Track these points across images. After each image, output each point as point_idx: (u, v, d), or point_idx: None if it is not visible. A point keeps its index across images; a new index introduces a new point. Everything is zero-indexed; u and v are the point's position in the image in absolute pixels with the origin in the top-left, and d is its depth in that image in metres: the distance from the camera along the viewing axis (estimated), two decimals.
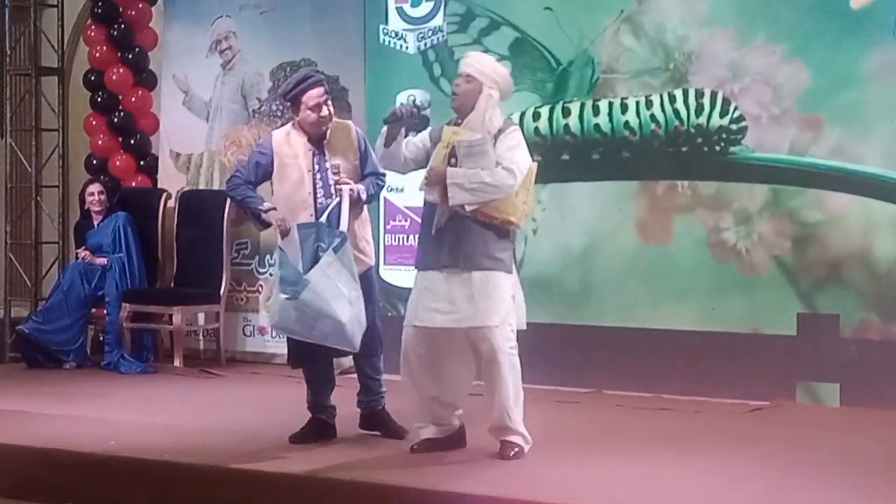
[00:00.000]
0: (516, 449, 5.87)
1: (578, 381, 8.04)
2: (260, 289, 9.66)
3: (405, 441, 6.20)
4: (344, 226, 6.05)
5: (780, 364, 7.59)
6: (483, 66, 5.99)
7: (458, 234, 5.85)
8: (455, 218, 5.85)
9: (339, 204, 6.11)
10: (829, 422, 7.08)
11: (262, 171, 6.38)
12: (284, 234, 6.16)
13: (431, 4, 8.83)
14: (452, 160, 5.86)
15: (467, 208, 5.80)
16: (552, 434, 6.30)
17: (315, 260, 5.94)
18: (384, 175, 6.43)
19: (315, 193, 6.26)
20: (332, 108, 6.36)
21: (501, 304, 5.84)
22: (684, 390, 7.72)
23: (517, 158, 5.86)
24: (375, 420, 6.44)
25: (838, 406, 7.44)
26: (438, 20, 8.82)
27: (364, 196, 6.26)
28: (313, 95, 6.27)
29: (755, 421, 7.15)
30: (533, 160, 6.03)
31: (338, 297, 5.87)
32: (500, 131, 5.90)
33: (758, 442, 6.46)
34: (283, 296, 5.89)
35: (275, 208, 6.28)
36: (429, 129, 6.08)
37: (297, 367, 6.53)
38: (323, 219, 6.09)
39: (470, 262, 5.83)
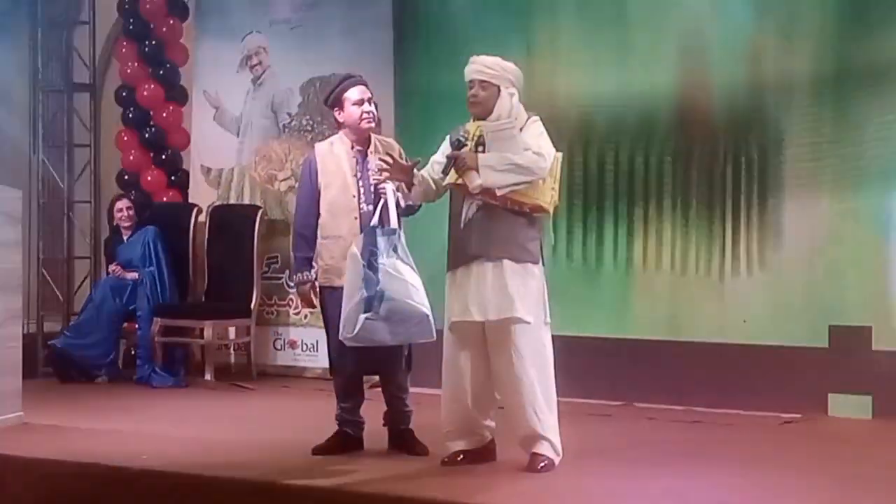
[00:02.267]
0: (545, 462, 5.85)
1: (609, 393, 8.03)
2: (290, 302, 9.69)
3: (434, 455, 6.19)
4: (394, 223, 6.07)
5: (812, 376, 7.56)
6: (493, 68, 6.00)
7: (488, 223, 5.86)
8: (483, 208, 5.87)
9: (385, 204, 6.12)
10: (862, 434, 7.05)
11: (314, 187, 6.38)
12: (308, 305, 6.61)
13: None
14: (480, 148, 5.87)
15: (497, 193, 5.80)
16: (583, 447, 6.28)
17: (371, 264, 5.95)
18: None
19: (359, 198, 6.27)
20: (375, 109, 6.41)
21: (534, 300, 5.86)
22: (716, 403, 7.70)
23: (543, 144, 5.89)
24: (400, 439, 6.43)
25: (870, 418, 7.41)
26: None
27: (402, 202, 6.24)
28: (356, 91, 6.33)
29: (787, 434, 7.13)
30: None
31: (411, 293, 5.92)
32: (525, 122, 5.94)
33: (790, 455, 6.44)
34: (365, 315, 5.89)
35: (307, 282, 6.37)
36: (447, 137, 6.10)
37: (368, 374, 6.58)
38: (375, 220, 6.08)
39: (500, 250, 5.84)
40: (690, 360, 7.90)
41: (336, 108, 6.39)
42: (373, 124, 6.40)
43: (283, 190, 9.83)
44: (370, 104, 6.37)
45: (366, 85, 6.43)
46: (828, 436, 7.01)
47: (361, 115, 6.32)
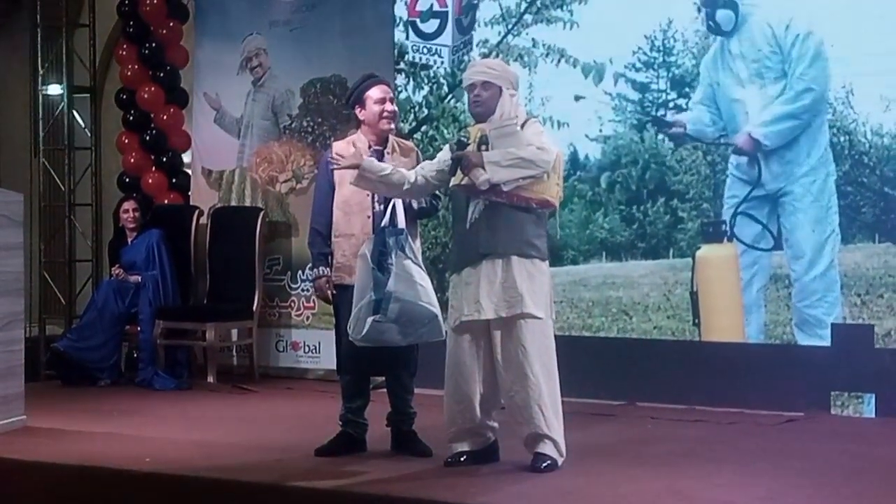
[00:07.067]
0: (548, 461, 5.85)
1: (612, 393, 8.03)
2: (292, 304, 9.69)
3: (437, 457, 6.18)
4: (402, 223, 6.09)
5: (815, 375, 7.56)
6: (496, 70, 6.05)
7: (495, 221, 5.87)
8: (490, 206, 5.88)
9: (394, 205, 6.13)
10: (865, 433, 7.03)
11: (329, 184, 6.38)
12: (323, 299, 6.52)
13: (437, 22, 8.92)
14: (483, 148, 5.87)
15: (504, 188, 5.81)
16: (586, 447, 6.28)
17: (381, 265, 5.98)
18: (440, 198, 6.48)
19: (373, 197, 6.27)
20: (396, 108, 6.46)
21: (542, 295, 5.88)
22: (718, 402, 7.70)
23: (545, 140, 5.92)
24: (402, 440, 6.43)
25: (874, 417, 7.41)
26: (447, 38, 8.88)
27: (415, 204, 6.28)
28: (379, 90, 6.35)
29: (790, 432, 7.12)
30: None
31: (420, 293, 5.95)
32: (524, 122, 5.97)
33: (793, 454, 6.43)
34: (373, 318, 5.91)
35: (323, 276, 6.36)
36: (448, 144, 6.15)
37: (375, 374, 6.61)
38: (386, 220, 6.09)
39: (508, 246, 5.85)
40: (692, 359, 7.90)
41: (357, 106, 6.40)
42: (392, 125, 6.42)
43: (285, 192, 9.84)
44: (392, 104, 6.39)
45: (388, 85, 6.48)
46: (830, 434, 7.00)
47: (382, 114, 6.33)
